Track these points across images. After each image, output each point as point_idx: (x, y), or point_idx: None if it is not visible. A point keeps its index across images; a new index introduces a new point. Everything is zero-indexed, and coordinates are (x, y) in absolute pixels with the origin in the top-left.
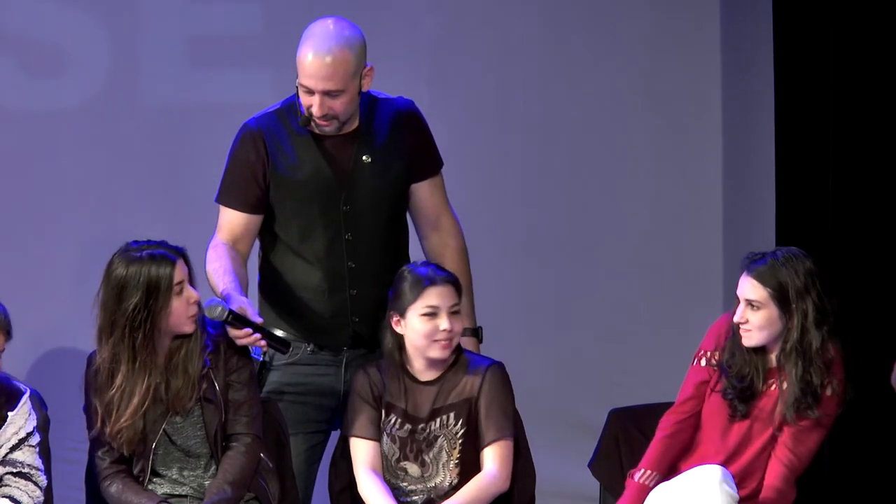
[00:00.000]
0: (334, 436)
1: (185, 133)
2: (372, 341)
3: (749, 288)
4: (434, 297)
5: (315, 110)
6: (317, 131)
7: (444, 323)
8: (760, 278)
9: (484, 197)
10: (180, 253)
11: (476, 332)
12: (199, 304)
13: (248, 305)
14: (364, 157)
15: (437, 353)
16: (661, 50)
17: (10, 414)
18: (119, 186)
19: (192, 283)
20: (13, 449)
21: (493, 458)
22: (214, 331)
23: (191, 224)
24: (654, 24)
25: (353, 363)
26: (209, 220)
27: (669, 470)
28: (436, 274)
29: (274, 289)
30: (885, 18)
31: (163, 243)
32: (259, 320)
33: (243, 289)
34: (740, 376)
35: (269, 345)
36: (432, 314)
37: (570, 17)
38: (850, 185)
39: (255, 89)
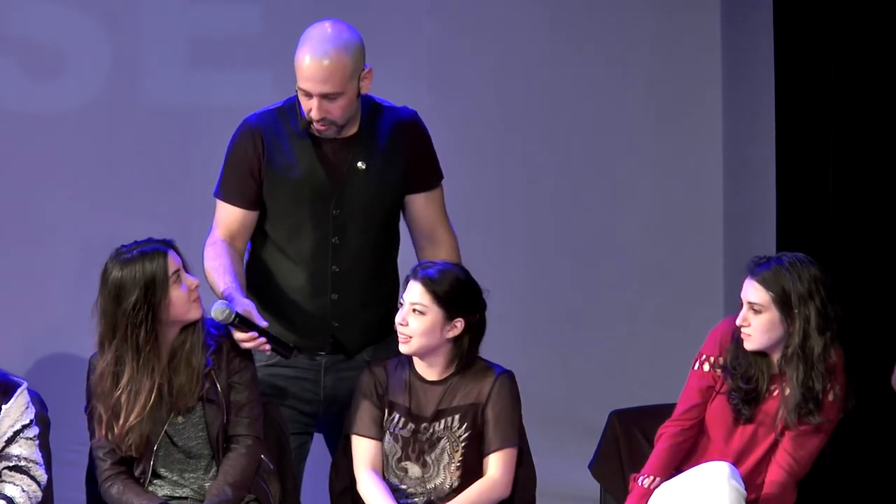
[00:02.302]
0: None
1: (186, 134)
2: (351, 348)
3: (752, 291)
4: (407, 290)
5: (314, 114)
6: (317, 135)
7: (398, 317)
8: (764, 282)
9: (484, 198)
10: (169, 244)
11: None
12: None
13: (253, 308)
14: (359, 164)
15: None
16: (661, 50)
17: (4, 406)
18: (119, 187)
19: (187, 270)
20: (9, 441)
21: (497, 465)
22: (217, 331)
23: (191, 225)
24: (654, 24)
25: (332, 369)
26: (209, 221)
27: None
28: (419, 270)
29: (258, 286)
30: (885, 19)
31: (150, 239)
32: (264, 324)
33: (242, 287)
34: (746, 378)
35: (272, 349)
36: (402, 305)
37: (570, 18)
38: (850, 185)
39: (255, 90)
